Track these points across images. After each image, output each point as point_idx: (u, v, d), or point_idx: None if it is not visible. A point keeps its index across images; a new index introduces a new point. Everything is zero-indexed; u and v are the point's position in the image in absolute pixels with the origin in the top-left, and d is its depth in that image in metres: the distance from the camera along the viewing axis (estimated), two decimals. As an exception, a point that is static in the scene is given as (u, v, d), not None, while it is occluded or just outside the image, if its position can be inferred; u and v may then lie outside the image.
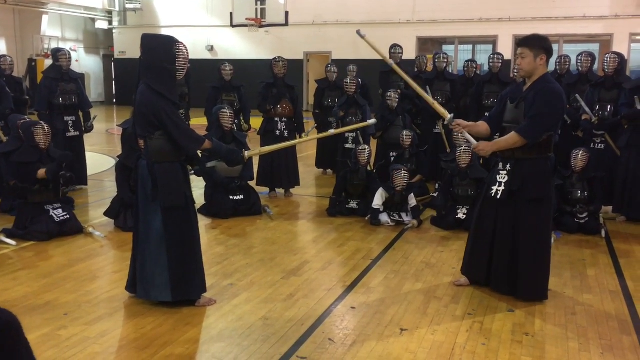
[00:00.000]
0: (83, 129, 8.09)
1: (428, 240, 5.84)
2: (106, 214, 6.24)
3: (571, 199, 6.26)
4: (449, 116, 4.41)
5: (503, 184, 4.28)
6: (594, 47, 19.84)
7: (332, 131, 5.42)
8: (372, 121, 5.34)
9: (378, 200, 6.41)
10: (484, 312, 4.12)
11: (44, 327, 3.76)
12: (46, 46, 21.15)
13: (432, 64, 10.04)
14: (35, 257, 5.18)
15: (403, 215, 6.39)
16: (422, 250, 5.50)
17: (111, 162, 9.97)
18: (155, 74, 3.87)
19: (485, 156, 4.36)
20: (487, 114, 7.88)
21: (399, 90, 8.14)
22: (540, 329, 3.86)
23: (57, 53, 7.91)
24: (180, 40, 3.95)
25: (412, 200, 6.49)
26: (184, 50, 3.92)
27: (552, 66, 5.94)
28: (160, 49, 3.88)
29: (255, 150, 4.40)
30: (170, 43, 3.88)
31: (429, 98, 4.71)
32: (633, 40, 18.62)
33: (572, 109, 7.03)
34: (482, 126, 4.44)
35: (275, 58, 7.74)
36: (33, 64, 20.80)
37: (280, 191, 7.89)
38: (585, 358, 3.49)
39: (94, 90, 24.89)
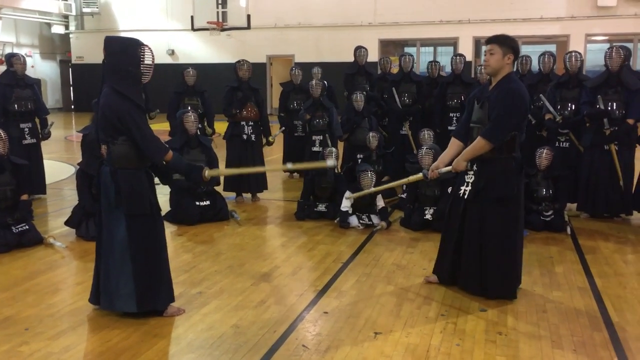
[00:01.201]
0: (40, 136, 7.83)
1: (398, 242, 5.82)
2: (67, 223, 6.04)
3: (536, 197, 6.33)
4: (421, 174, 4.64)
5: (470, 184, 4.30)
6: (551, 48, 20.27)
7: (289, 165, 5.22)
8: (331, 163, 5.17)
9: (346, 202, 6.37)
10: (457, 312, 4.11)
11: (4, 344, 3.58)
12: (0, 52, 20.54)
13: (394, 66, 10.10)
14: (-8, 270, 4.96)
15: (372, 217, 6.37)
16: (392, 252, 5.48)
17: (70, 170, 9.70)
18: (119, 77, 3.75)
19: (463, 169, 4.33)
20: (451, 114, 8.10)
21: (364, 92, 8.12)
22: (513, 328, 3.86)
23: (10, 58, 7.64)
24: (144, 43, 3.84)
25: (380, 202, 6.47)
26: (149, 53, 3.81)
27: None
28: (124, 52, 3.76)
29: (215, 170, 4.19)
30: (134, 46, 3.77)
31: (401, 182, 5.12)
32: (589, 40, 19.12)
33: (535, 108, 7.12)
34: (453, 147, 4.45)
35: (239, 61, 7.64)
36: (-13, 70, 20.17)
37: (247, 196, 7.79)
38: (559, 355, 3.50)
39: (51, 96, 24.31)
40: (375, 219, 6.37)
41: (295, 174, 9.36)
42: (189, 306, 4.17)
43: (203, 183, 4.10)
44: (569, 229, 6.09)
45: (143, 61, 3.78)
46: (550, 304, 4.27)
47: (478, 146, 4.17)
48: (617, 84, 6.41)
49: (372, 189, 6.02)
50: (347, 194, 6.38)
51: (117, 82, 3.75)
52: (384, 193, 6.63)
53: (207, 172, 4.03)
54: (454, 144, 4.47)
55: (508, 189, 4.22)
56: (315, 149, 7.83)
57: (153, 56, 3.85)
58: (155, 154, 3.88)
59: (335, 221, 6.49)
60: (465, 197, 4.32)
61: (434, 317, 4.02)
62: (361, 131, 7.87)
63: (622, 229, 6.36)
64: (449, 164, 4.42)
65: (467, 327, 3.86)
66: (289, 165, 4.83)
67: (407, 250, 5.54)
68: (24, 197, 5.80)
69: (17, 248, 5.47)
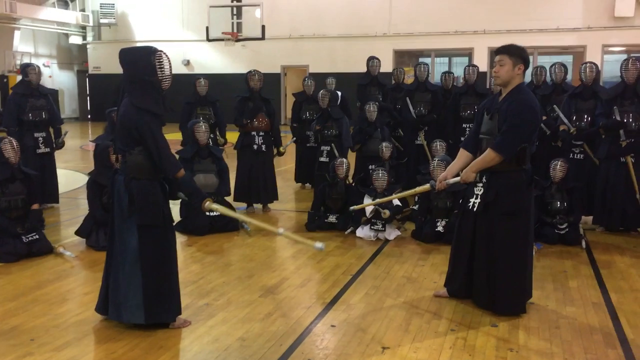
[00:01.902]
0: (54, 145, 7.88)
1: (408, 255, 5.75)
2: (77, 232, 6.04)
3: (551, 210, 6.23)
4: (428, 185, 4.56)
5: (479, 197, 4.24)
6: (568, 59, 20.13)
7: (281, 230, 4.29)
8: (319, 246, 4.02)
9: (369, 208, 6.27)
10: (467, 327, 4.03)
11: (9, 354, 3.57)
12: (18, 62, 20.82)
13: (409, 77, 10.06)
14: (1, 280, 4.96)
15: (387, 226, 6.30)
16: (403, 265, 5.40)
17: (84, 179, 9.73)
18: (138, 88, 3.73)
19: (472, 180, 4.27)
20: (464, 125, 8.02)
21: (377, 103, 8.08)
22: (525, 344, 3.77)
23: (26, 68, 7.71)
24: (159, 49, 3.78)
25: (396, 200, 6.42)
26: (165, 59, 3.75)
27: (528, 77, 5.94)
28: (138, 61, 3.73)
29: (219, 206, 4.03)
30: (148, 54, 3.72)
31: (408, 192, 5.02)
32: (606, 51, 18.92)
33: (550, 119, 7.03)
34: (462, 158, 4.40)
35: (250, 71, 7.64)
36: (5, 80, 20.46)
37: (258, 206, 7.76)
38: (571, 373, 3.41)
39: (68, 106, 24.56)
40: (388, 228, 6.31)
41: (307, 184, 9.32)
42: (196, 318, 4.14)
43: (198, 210, 4.01)
44: (584, 243, 5.98)
45: (160, 68, 3.71)
46: (564, 319, 4.18)
47: (488, 158, 4.11)
48: (633, 96, 6.31)
49: (378, 200, 5.97)
50: (366, 197, 6.36)
51: (136, 93, 3.73)
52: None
53: (208, 204, 3.93)
54: (462, 155, 4.41)
55: (518, 202, 4.15)
56: (323, 159, 7.78)
57: (169, 62, 3.78)
58: (167, 168, 3.84)
59: (346, 232, 6.44)
60: (475, 209, 4.25)
61: (444, 332, 3.94)
62: (373, 142, 7.82)
63: (638, 243, 6.22)
64: (457, 175, 4.36)
65: (477, 343, 3.78)
66: (280, 230, 4.19)
67: (418, 263, 5.46)
68: (35, 206, 5.82)
69: (26, 257, 5.47)
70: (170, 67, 3.80)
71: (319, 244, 3.88)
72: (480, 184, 4.23)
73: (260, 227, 4.01)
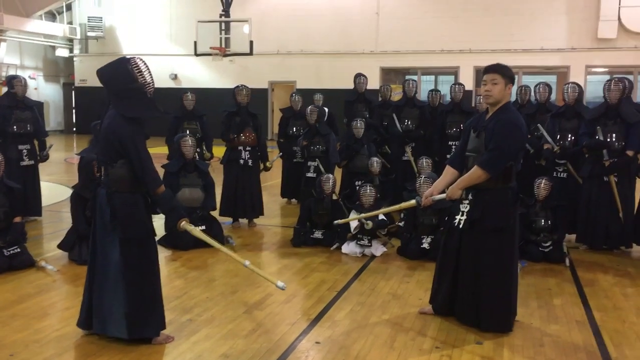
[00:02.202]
0: (38, 158, 7.81)
1: (394, 271, 5.74)
2: (60, 246, 5.97)
3: (535, 228, 6.27)
4: (414, 201, 4.55)
5: (465, 214, 4.25)
6: (552, 79, 20.39)
7: (247, 262, 4.05)
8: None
9: (354, 223, 6.28)
10: (452, 345, 4.02)
11: (-14, 370, 3.50)
12: (4, 74, 20.66)
13: (395, 94, 10.13)
14: (-19, 294, 4.88)
15: (373, 241, 6.29)
16: (388, 281, 5.39)
17: (68, 192, 9.62)
18: (125, 99, 3.71)
19: (458, 197, 4.29)
20: (450, 142, 8.08)
21: (363, 120, 8.12)
22: (509, 362, 3.77)
23: (12, 80, 7.66)
24: (132, 57, 3.77)
25: (381, 215, 6.43)
26: (142, 64, 3.72)
27: (512, 96, 6.02)
28: (117, 74, 3.72)
29: (192, 227, 3.93)
30: (123, 64, 3.72)
31: (394, 208, 5.01)
32: (589, 72, 19.23)
33: (534, 138, 7.10)
34: (448, 175, 4.42)
35: (238, 86, 7.65)
36: (-10, 91, 20.28)
37: (243, 221, 7.73)
38: (555, 392, 3.41)
39: (54, 118, 24.39)
40: (375, 244, 6.31)
41: (293, 200, 9.31)
42: (179, 334, 4.09)
43: (174, 228, 3.95)
44: (567, 261, 6.01)
45: (139, 73, 3.69)
46: (548, 337, 4.18)
47: (474, 175, 4.13)
48: (616, 116, 6.40)
49: (363, 215, 5.98)
50: (353, 213, 6.36)
51: (123, 105, 3.71)
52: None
53: (183, 224, 3.87)
54: (448, 172, 4.44)
55: (503, 219, 4.16)
56: (310, 174, 7.79)
57: (147, 66, 3.75)
58: (150, 185, 3.80)
59: (332, 248, 6.42)
60: (460, 226, 4.27)
61: (428, 350, 3.93)
62: (360, 158, 7.85)
63: (621, 261, 6.28)
64: (443, 191, 4.37)
65: (461, 361, 3.77)
66: (246, 263, 3.99)
67: (404, 280, 5.46)
68: (17, 219, 5.75)
69: (7, 271, 5.39)
70: (149, 71, 3.77)
71: (280, 283, 3.85)
72: (467, 201, 4.25)
73: (229, 255, 3.95)
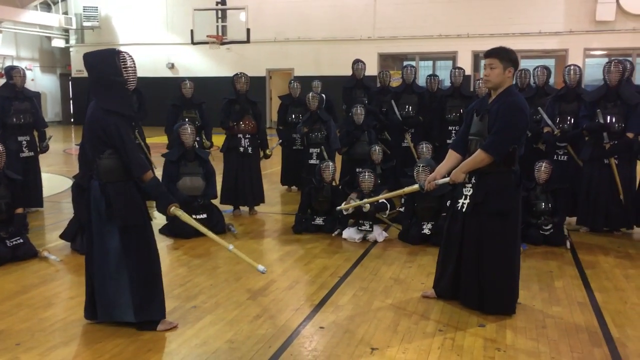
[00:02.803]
0: (38, 149, 7.80)
1: (395, 256, 5.76)
2: (62, 236, 5.99)
3: (535, 211, 6.29)
4: (417, 186, 4.53)
5: (468, 197, 4.26)
6: (550, 62, 20.33)
7: (230, 247, 4.02)
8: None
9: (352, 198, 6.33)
10: (455, 327, 4.05)
11: (-7, 359, 3.53)
12: (0, 65, 20.59)
13: (394, 80, 10.11)
14: (-15, 284, 4.90)
15: (375, 227, 6.31)
16: (390, 266, 5.42)
17: (68, 183, 9.65)
18: (104, 90, 3.74)
19: (462, 181, 4.30)
20: (450, 127, 8.07)
21: (363, 106, 8.11)
22: (512, 344, 3.80)
23: (10, 71, 7.62)
24: (122, 50, 3.82)
25: (382, 200, 6.45)
26: (129, 60, 3.78)
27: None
28: (103, 63, 3.74)
29: (181, 212, 3.93)
30: (112, 55, 3.75)
31: (397, 193, 4.90)
32: (587, 55, 19.17)
33: (532, 121, 7.09)
34: (451, 159, 4.41)
35: (237, 74, 7.63)
36: (-14, 83, 20.21)
37: (244, 209, 7.74)
38: (559, 372, 3.44)
39: (51, 109, 24.34)
40: (376, 229, 6.33)
41: (293, 187, 9.33)
42: (184, 320, 4.11)
43: (163, 213, 4.00)
44: (568, 243, 6.04)
45: (125, 69, 3.74)
46: (550, 319, 4.21)
47: (478, 159, 4.13)
48: (616, 98, 6.40)
49: (366, 200, 5.98)
50: (352, 195, 6.39)
51: (103, 95, 3.74)
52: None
53: (173, 209, 3.88)
54: (451, 155, 4.43)
55: (507, 203, 4.18)
56: (312, 161, 7.80)
57: (134, 61, 3.81)
58: (136, 170, 3.81)
59: (333, 234, 6.44)
60: (464, 210, 4.28)
61: (432, 333, 3.96)
62: (360, 145, 7.85)
63: (622, 243, 6.31)
64: (446, 175, 4.38)
65: (465, 343, 3.80)
66: (230, 247, 3.95)
67: (405, 265, 5.48)
68: (19, 210, 5.76)
69: (11, 262, 5.40)
70: (135, 67, 3.83)
71: (261, 267, 3.90)
72: (470, 185, 4.25)
73: (213, 239, 3.96)
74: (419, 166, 6.28)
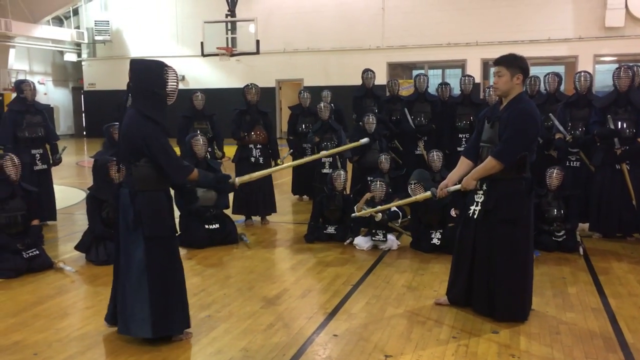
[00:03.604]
0: (51, 162, 7.87)
1: (408, 264, 5.77)
2: (77, 247, 6.04)
3: (548, 218, 6.27)
4: (429, 193, 4.58)
5: (480, 204, 4.27)
6: (560, 69, 20.27)
7: (324, 152, 5.51)
8: (364, 140, 5.12)
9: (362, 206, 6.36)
10: (469, 334, 4.05)
11: (11, 369, 3.57)
12: (13, 80, 20.83)
13: (403, 89, 10.14)
14: (1, 295, 4.95)
15: (388, 236, 6.31)
16: (403, 274, 5.43)
17: (81, 195, 9.75)
18: (145, 99, 3.76)
19: (473, 188, 4.32)
20: (460, 135, 8.08)
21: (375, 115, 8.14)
22: (526, 350, 3.79)
23: (20, 85, 7.70)
24: (169, 65, 3.87)
25: (394, 207, 6.46)
26: (174, 75, 3.83)
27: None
28: (150, 73, 3.78)
29: (246, 176, 4.20)
30: (160, 67, 3.80)
31: (407, 200, 5.05)
32: (597, 61, 19.11)
33: (543, 128, 7.09)
34: (463, 166, 4.44)
35: (247, 85, 7.69)
36: (0, 98, 20.46)
37: (256, 219, 7.78)
38: (574, 378, 3.43)
39: (64, 123, 24.59)
40: (390, 237, 6.32)
41: (304, 196, 9.36)
42: (198, 330, 4.14)
43: (234, 190, 4.22)
44: (581, 250, 6.02)
45: (168, 82, 3.79)
46: (564, 325, 4.20)
47: (489, 166, 4.15)
48: (626, 104, 6.39)
49: (379, 207, 5.99)
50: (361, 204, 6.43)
51: (143, 104, 3.76)
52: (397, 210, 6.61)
53: (238, 179, 4.09)
54: (463, 162, 4.46)
55: (517, 210, 4.19)
56: (325, 170, 7.82)
57: (177, 78, 3.87)
58: (180, 175, 3.87)
59: (345, 243, 6.46)
60: (475, 217, 4.29)
61: (446, 340, 3.96)
62: (372, 153, 7.87)
63: (635, 248, 6.27)
64: (458, 182, 4.39)
65: (479, 350, 3.79)
66: (324, 152, 5.15)
67: (418, 272, 5.49)
68: (35, 222, 5.82)
69: (27, 273, 5.46)
70: (178, 84, 3.88)
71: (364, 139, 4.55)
72: (481, 192, 4.27)
73: (268, 172, 4.69)
74: (412, 183, 6.23)
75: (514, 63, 4.14)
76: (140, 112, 3.75)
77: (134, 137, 3.76)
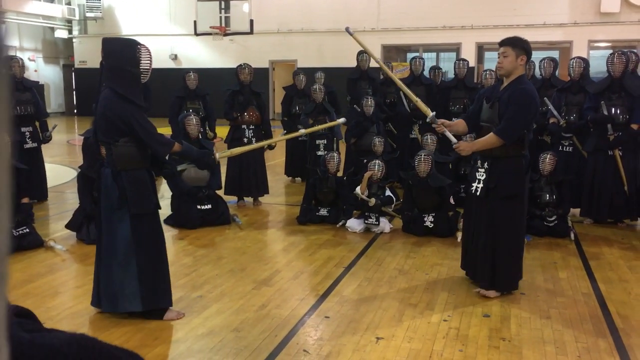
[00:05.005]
0: (41, 139, 7.79)
1: (400, 247, 5.78)
2: (67, 226, 6.01)
3: (540, 202, 6.29)
4: (431, 114, 4.55)
5: (482, 181, 4.41)
6: (554, 54, 20.15)
7: (302, 131, 5.59)
8: (342, 120, 5.31)
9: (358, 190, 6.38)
10: (460, 317, 4.07)
11: (1, 347, 3.54)
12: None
13: (397, 71, 10.08)
14: (-8, 273, 4.92)
15: (381, 219, 6.32)
16: (395, 257, 5.44)
17: (72, 173, 9.68)
18: (119, 78, 3.75)
19: (464, 155, 4.46)
20: (453, 119, 8.03)
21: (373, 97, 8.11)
22: (517, 334, 3.82)
23: (10, 61, 7.59)
24: (142, 43, 3.84)
25: (388, 191, 6.50)
26: (147, 53, 3.81)
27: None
28: (122, 52, 3.77)
29: (226, 151, 4.29)
30: (132, 46, 3.78)
31: (412, 95, 4.76)
32: (592, 47, 19.08)
33: (538, 113, 7.08)
34: (461, 124, 4.62)
35: (240, 65, 7.62)
36: (-11, 74, 20.20)
37: (248, 200, 7.76)
38: (563, 362, 3.46)
39: (54, 100, 24.31)
40: (382, 220, 6.33)
41: (297, 178, 9.34)
42: (190, 310, 4.14)
43: (214, 165, 4.31)
44: (572, 235, 6.05)
45: (142, 61, 3.77)
46: (554, 309, 4.23)
47: (490, 141, 4.29)
48: (620, 90, 6.38)
49: (374, 200, 6.04)
50: (357, 190, 6.42)
51: (117, 83, 3.75)
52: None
53: (219, 155, 4.18)
54: (461, 123, 4.62)
55: (516, 186, 4.35)
56: (319, 152, 7.80)
57: (151, 56, 3.85)
58: (161, 149, 3.89)
59: (338, 225, 6.46)
60: (478, 194, 4.42)
61: (437, 322, 3.98)
62: (369, 136, 7.84)
63: (626, 234, 6.32)
64: (456, 137, 4.56)
65: (470, 333, 3.81)
66: (302, 131, 5.32)
67: (410, 255, 5.50)
68: (25, 200, 5.78)
69: (17, 251, 5.43)
70: (151, 62, 3.85)
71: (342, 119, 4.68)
72: (482, 170, 4.41)
73: (286, 138, 4.87)
74: (421, 154, 6.28)
75: (518, 44, 4.26)
76: (115, 92, 3.74)
77: (111, 117, 3.76)
